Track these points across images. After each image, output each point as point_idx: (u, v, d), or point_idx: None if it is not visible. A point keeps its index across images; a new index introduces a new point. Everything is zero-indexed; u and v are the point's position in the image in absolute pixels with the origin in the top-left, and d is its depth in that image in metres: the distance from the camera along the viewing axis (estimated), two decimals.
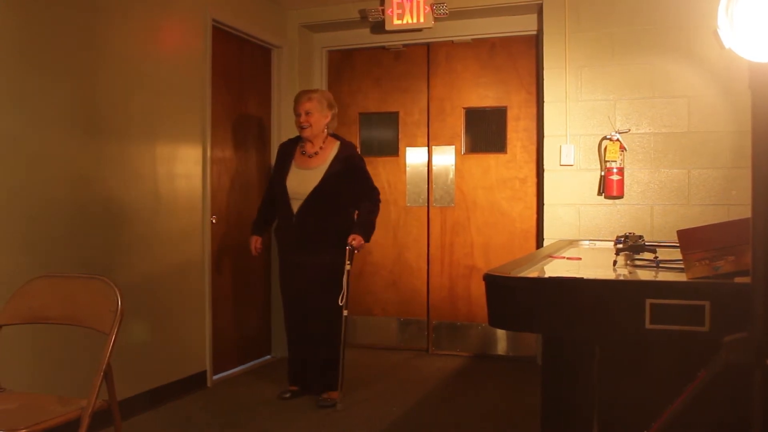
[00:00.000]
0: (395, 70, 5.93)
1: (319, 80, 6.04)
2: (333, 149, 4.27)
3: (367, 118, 6.08)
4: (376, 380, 4.94)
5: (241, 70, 5.27)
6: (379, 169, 5.93)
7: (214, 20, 4.75)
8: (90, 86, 3.73)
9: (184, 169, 4.48)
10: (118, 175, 3.92)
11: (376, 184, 5.90)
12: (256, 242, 4.48)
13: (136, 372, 4.09)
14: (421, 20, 5.41)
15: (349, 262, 4.15)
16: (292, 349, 4.44)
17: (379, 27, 5.65)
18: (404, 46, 5.87)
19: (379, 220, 5.85)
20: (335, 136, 4.37)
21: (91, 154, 3.73)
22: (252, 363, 5.39)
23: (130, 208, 4.01)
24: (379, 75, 5.97)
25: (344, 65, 6.07)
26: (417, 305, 5.85)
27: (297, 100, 4.27)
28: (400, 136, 5.91)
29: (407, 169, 5.87)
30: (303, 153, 4.29)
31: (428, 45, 5.80)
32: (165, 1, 4.30)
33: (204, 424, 3.97)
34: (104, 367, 2.54)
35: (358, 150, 4.54)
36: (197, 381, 4.62)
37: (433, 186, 5.78)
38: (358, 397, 4.51)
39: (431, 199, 5.79)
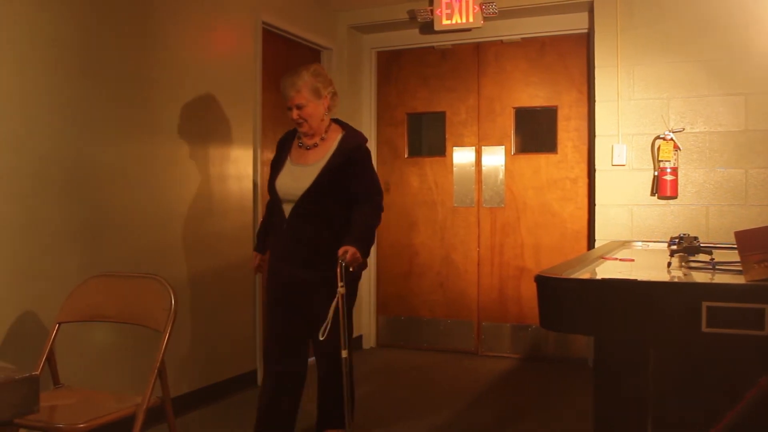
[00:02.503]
0: (442, 70, 5.91)
1: (368, 81, 6.05)
2: (335, 140, 3.32)
3: (415, 119, 6.08)
4: (425, 381, 4.93)
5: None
6: (426, 170, 5.92)
7: (264, 23, 4.80)
8: (144, 89, 3.80)
9: (235, 171, 4.54)
10: (171, 176, 3.99)
11: (423, 184, 5.88)
12: (255, 259, 3.55)
13: (188, 370, 4.15)
14: (470, 20, 5.38)
15: (341, 284, 3.01)
16: (266, 391, 3.39)
17: (427, 27, 5.64)
18: (453, 45, 5.85)
19: (427, 221, 5.91)
20: (340, 123, 3.44)
21: (146, 156, 3.81)
22: None
23: (183, 209, 4.08)
24: (427, 75, 5.96)
25: (392, 66, 6.08)
26: (465, 307, 5.82)
27: (283, 93, 3.27)
28: (447, 136, 5.89)
29: (454, 169, 5.85)
30: (301, 146, 3.37)
31: (477, 44, 5.77)
32: (216, 5, 4.36)
33: (250, 421, 4.00)
34: (158, 364, 2.59)
35: (370, 144, 3.53)
36: (247, 380, 4.67)
37: (483, 186, 5.74)
38: (408, 398, 4.50)
39: (481, 199, 5.75)
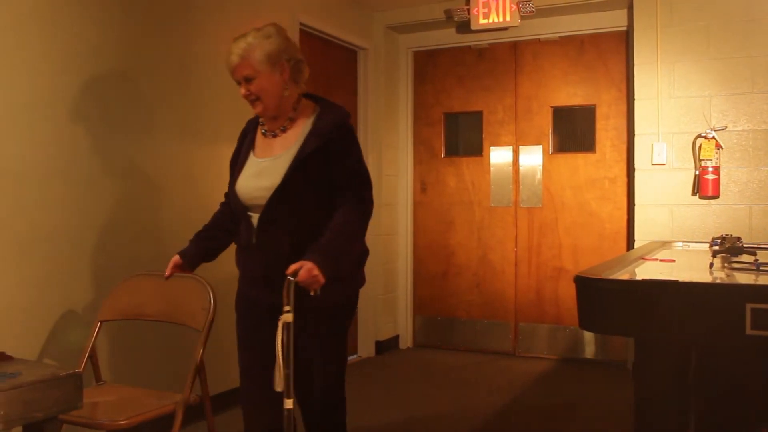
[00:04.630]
0: (479, 69, 5.88)
1: (405, 81, 6.05)
2: (308, 121, 2.53)
3: (451, 118, 6.06)
4: (461, 382, 4.92)
5: (327, 73, 5.33)
6: (462, 169, 5.90)
7: (301, 23, 4.83)
8: (183, 91, 3.85)
9: None
10: (209, 176, 4.03)
11: (460, 184, 5.85)
12: (172, 262, 2.67)
13: (226, 369, 4.19)
14: (508, 19, 5.35)
15: (288, 307, 2.23)
16: None
17: (464, 26, 5.62)
18: (489, 44, 5.82)
19: (464, 221, 5.88)
20: (315, 98, 2.65)
21: (185, 156, 3.85)
22: None
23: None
24: (463, 74, 5.93)
25: (428, 65, 6.07)
26: (502, 307, 5.78)
27: (226, 63, 2.51)
28: (484, 136, 5.86)
29: (491, 169, 5.82)
30: (265, 134, 2.57)
31: (514, 43, 5.73)
32: (254, 7, 4.39)
33: None
34: (197, 363, 2.62)
35: (351, 124, 2.59)
36: None
37: (520, 186, 5.70)
38: (445, 398, 4.50)
39: (518, 199, 5.71)
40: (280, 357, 2.20)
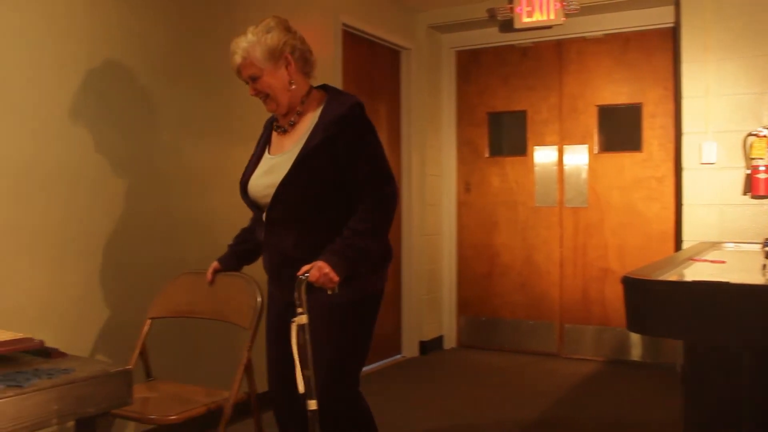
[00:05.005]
0: (523, 68, 5.84)
1: (448, 81, 6.04)
2: (315, 113, 2.44)
3: (495, 118, 6.02)
4: (506, 383, 4.89)
5: (371, 73, 5.35)
6: (506, 169, 5.86)
7: (344, 24, 4.85)
8: (227, 92, 3.89)
9: None
10: None
11: (504, 184, 5.82)
12: (211, 267, 2.75)
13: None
14: (552, 17, 5.30)
15: (301, 309, 2.20)
16: None
17: (507, 25, 5.58)
18: (533, 43, 5.77)
19: (508, 221, 5.85)
20: (325, 88, 2.56)
21: (231, 157, 3.89)
22: (382, 362, 5.45)
23: None
24: (507, 73, 5.90)
25: (471, 65, 6.04)
26: (547, 308, 5.73)
27: (231, 66, 2.47)
28: (528, 135, 5.82)
29: (536, 168, 5.77)
30: (277, 130, 2.53)
31: (558, 42, 5.67)
32: (297, 7, 4.42)
33: None
34: (245, 360, 2.65)
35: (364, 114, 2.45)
36: None
37: (565, 186, 5.65)
38: (490, 399, 4.47)
39: (563, 199, 5.66)
40: (297, 359, 2.15)
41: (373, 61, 5.39)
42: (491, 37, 5.85)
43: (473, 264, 6.01)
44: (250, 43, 2.38)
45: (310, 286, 2.22)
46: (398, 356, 5.69)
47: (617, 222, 5.46)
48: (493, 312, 5.93)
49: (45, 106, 2.96)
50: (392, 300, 5.64)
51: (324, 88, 2.54)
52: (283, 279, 2.41)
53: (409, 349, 5.70)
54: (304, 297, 2.19)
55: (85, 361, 2.11)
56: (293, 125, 2.46)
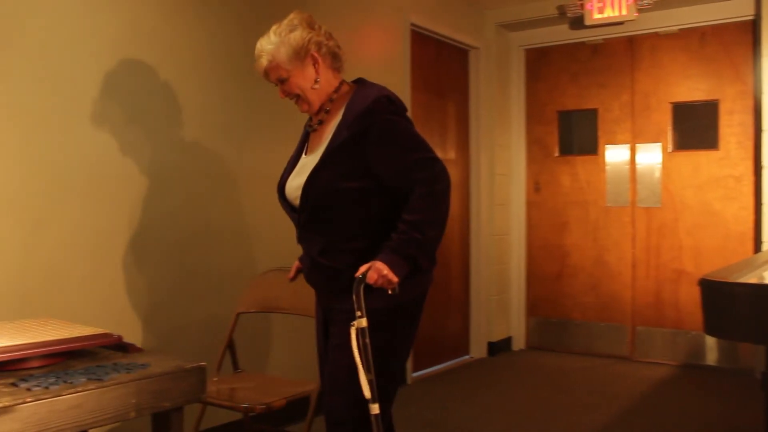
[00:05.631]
0: (594, 66, 5.73)
1: (517, 79, 5.98)
2: (342, 109, 2.29)
3: (565, 117, 5.93)
4: (576, 386, 4.80)
5: (438, 73, 5.33)
6: (577, 168, 5.77)
7: (412, 24, 4.85)
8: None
9: None
10: None
11: (574, 183, 5.72)
12: (294, 266, 2.69)
13: None
14: (624, 12, 5.18)
15: (359, 313, 2.07)
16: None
17: (577, 22, 5.49)
18: (604, 40, 5.66)
19: (578, 221, 5.75)
20: (358, 82, 2.41)
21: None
22: (450, 362, 5.44)
23: None
24: (577, 71, 5.80)
25: (540, 63, 5.97)
26: (618, 310, 5.61)
27: (257, 70, 2.36)
28: (599, 134, 5.71)
29: (607, 167, 5.66)
30: (309, 129, 2.41)
31: (631, 38, 5.55)
32: (366, 8, 4.45)
33: (403, 419, 4.05)
34: None
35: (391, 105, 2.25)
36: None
37: (637, 185, 5.52)
38: (559, 402, 4.41)
39: (635, 199, 5.53)
40: (359, 364, 2.04)
41: (441, 60, 5.38)
42: (561, 34, 5.76)
43: (543, 264, 5.93)
44: (275, 44, 2.27)
45: (368, 287, 2.09)
46: (466, 357, 5.66)
47: (692, 222, 5.30)
48: (563, 313, 5.84)
49: (113, 109, 3.05)
50: (461, 300, 5.61)
51: (357, 82, 2.40)
52: (314, 284, 2.34)
53: (478, 350, 5.67)
54: (362, 300, 2.06)
55: (161, 357, 2.17)
56: (322, 123, 2.34)
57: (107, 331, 2.16)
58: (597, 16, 5.29)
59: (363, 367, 2.05)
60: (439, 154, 5.28)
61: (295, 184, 2.29)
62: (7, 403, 1.65)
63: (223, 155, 3.49)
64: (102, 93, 2.96)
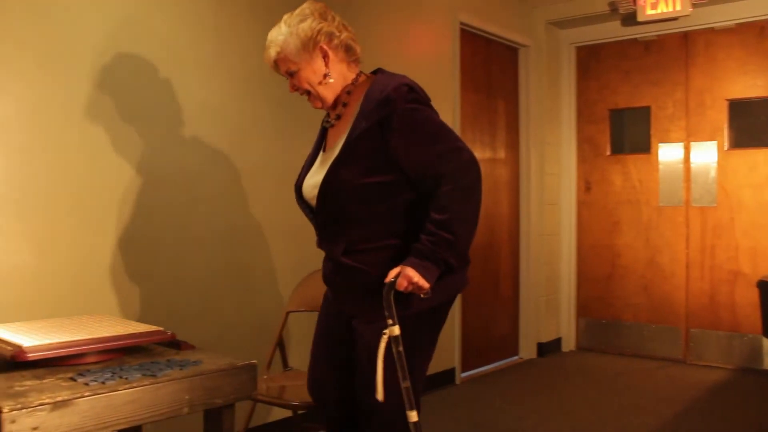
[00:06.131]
0: (646, 63, 5.63)
1: (567, 77, 5.90)
2: (360, 99, 2.13)
3: (617, 115, 5.84)
4: (627, 388, 4.72)
5: (488, 71, 5.30)
6: (629, 167, 5.67)
7: (461, 23, 4.82)
8: None
9: None
10: None
11: (626, 182, 5.63)
12: None
13: None
14: (678, 8, 5.08)
15: (391, 321, 1.95)
16: None
17: (630, 19, 5.39)
18: (657, 36, 5.55)
19: (630, 221, 5.65)
20: (377, 72, 2.24)
21: None
22: (499, 363, 5.40)
23: None
24: (629, 69, 5.70)
25: (591, 61, 5.88)
26: (671, 312, 5.50)
27: (266, 61, 2.22)
28: (651, 132, 5.60)
29: (660, 166, 5.55)
30: (326, 125, 2.27)
31: (685, 34, 5.43)
32: (415, 7, 4.44)
33: (452, 419, 4.04)
34: None
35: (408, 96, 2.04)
36: (446, 377, 4.72)
37: (692, 185, 5.40)
38: (610, 404, 4.34)
39: (689, 198, 5.41)
40: (380, 368, 1.95)
41: (491, 59, 5.34)
42: (612, 31, 5.67)
43: (593, 265, 5.85)
44: (284, 35, 2.13)
45: (397, 292, 1.98)
46: (515, 357, 5.61)
47: (749, 222, 5.17)
48: (613, 315, 5.75)
49: (164, 112, 3.10)
50: (510, 301, 5.57)
51: (376, 72, 2.22)
52: (336, 288, 2.20)
53: (527, 350, 5.62)
54: (393, 307, 1.95)
55: (213, 354, 2.19)
56: (339, 118, 2.19)
57: (161, 329, 2.19)
58: (650, 12, 5.19)
59: (399, 374, 1.96)
60: (489, 153, 5.26)
61: (313, 182, 2.15)
62: (66, 397, 1.69)
63: (274, 153, 3.52)
64: (144, 94, 3.01)
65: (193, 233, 3.16)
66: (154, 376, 1.88)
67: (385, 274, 1.99)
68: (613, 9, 5.37)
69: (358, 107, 2.08)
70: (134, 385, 1.81)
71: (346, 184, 2.04)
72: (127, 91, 2.92)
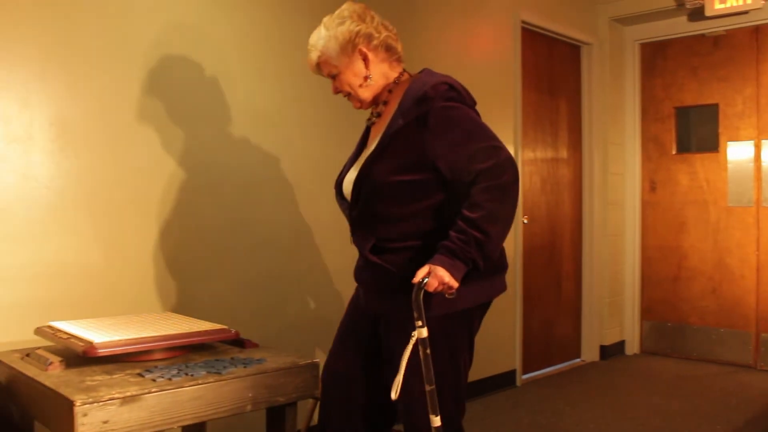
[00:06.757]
0: (714, 59, 5.47)
1: (631, 75, 5.78)
2: (399, 98, 2.12)
3: (683, 113, 5.69)
4: (694, 394, 4.60)
5: (550, 70, 5.23)
6: (696, 167, 5.52)
7: (522, 22, 4.77)
8: None
9: None
10: None
11: (693, 182, 5.49)
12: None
13: (474, 360, 4.28)
14: (748, 1, 4.92)
15: (420, 322, 1.91)
16: None
17: (697, 13, 5.25)
18: (726, 31, 5.39)
19: (697, 222, 5.50)
20: (422, 72, 2.20)
21: None
22: (560, 365, 5.32)
23: None
24: (696, 65, 5.55)
25: (657, 57, 5.75)
26: (741, 315, 5.33)
27: (308, 65, 2.25)
28: (720, 130, 5.44)
29: (729, 165, 5.38)
30: (369, 123, 2.31)
31: (756, 27, 5.25)
32: (476, 9, 4.41)
33: (512, 423, 4.00)
34: None
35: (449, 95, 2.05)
36: (506, 379, 4.67)
37: (763, 184, 5.22)
38: (675, 410, 4.24)
39: (760, 198, 5.24)
40: (402, 368, 1.91)
41: (553, 57, 5.27)
42: (679, 27, 5.53)
43: (659, 266, 5.71)
44: (324, 38, 2.14)
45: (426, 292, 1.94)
46: (577, 360, 5.52)
47: None
48: (679, 318, 5.61)
49: (225, 112, 3.15)
50: (572, 302, 5.49)
51: (422, 72, 2.20)
52: (365, 283, 2.22)
53: (589, 353, 5.52)
54: (422, 308, 1.91)
55: (276, 353, 2.22)
56: (380, 116, 2.20)
57: (225, 327, 2.23)
58: (719, 6, 5.04)
59: (425, 378, 1.92)
60: (551, 153, 5.20)
61: (350, 178, 2.16)
62: (134, 392, 1.73)
63: (330, 154, 3.54)
64: (214, 95, 3.07)
65: (255, 234, 3.20)
66: (218, 373, 1.91)
67: (408, 275, 1.95)
68: (680, 4, 5.23)
69: (398, 105, 2.07)
70: (199, 381, 1.85)
71: (378, 179, 2.03)
72: (188, 94, 2.97)
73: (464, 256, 1.92)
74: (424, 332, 1.90)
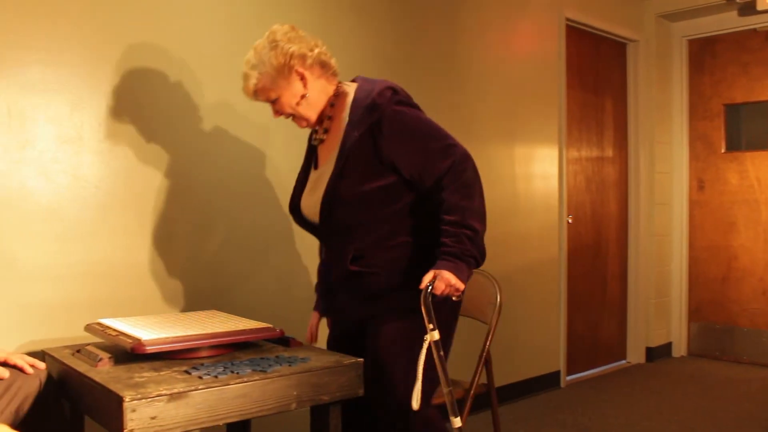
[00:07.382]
0: (765, 54, 5.33)
1: (679, 72, 5.68)
2: (346, 111, 2.16)
3: (732, 110, 5.57)
4: (744, 398, 4.50)
5: (595, 68, 5.17)
6: (746, 165, 5.40)
7: (567, 19, 4.72)
8: (452, 92, 3.93)
9: (540, 169, 4.53)
10: (492, 175, 4.13)
11: (743, 181, 5.38)
12: (311, 325, 2.51)
13: (510, 361, 4.27)
14: None
15: (431, 325, 1.92)
16: None
17: (748, 8, 5.14)
18: None
19: (748, 221, 5.38)
20: (356, 80, 2.26)
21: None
22: (605, 367, 5.26)
23: (491, 208, 4.14)
24: (746, 61, 5.42)
25: (705, 54, 5.63)
26: None
27: (245, 93, 2.21)
28: None
29: None
30: (315, 142, 2.28)
31: None
32: (520, 6, 4.38)
33: (556, 423, 3.96)
34: (485, 354, 2.71)
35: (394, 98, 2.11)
36: (550, 380, 4.63)
37: None
38: (724, 414, 4.15)
39: None
40: (420, 372, 1.92)
41: (598, 55, 5.20)
42: (728, 22, 5.41)
43: (707, 267, 5.60)
44: (258, 65, 2.13)
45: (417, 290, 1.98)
46: (623, 362, 5.45)
47: None
48: (728, 319, 5.49)
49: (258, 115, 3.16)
50: (618, 303, 5.41)
51: (356, 80, 2.23)
52: (349, 296, 2.23)
53: (635, 355, 5.44)
54: (432, 311, 1.93)
55: (320, 352, 2.23)
56: (327, 132, 2.21)
57: (270, 325, 2.25)
58: None
59: (444, 380, 1.95)
60: (596, 152, 5.13)
61: (313, 200, 2.18)
62: (181, 389, 1.76)
63: None
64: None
65: (299, 234, 3.20)
66: (263, 371, 1.93)
67: (393, 275, 2.09)
68: None
69: (346, 117, 2.12)
70: (245, 379, 1.87)
71: (347, 194, 2.08)
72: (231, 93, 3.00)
73: (465, 256, 2.00)
74: (436, 335, 1.93)
